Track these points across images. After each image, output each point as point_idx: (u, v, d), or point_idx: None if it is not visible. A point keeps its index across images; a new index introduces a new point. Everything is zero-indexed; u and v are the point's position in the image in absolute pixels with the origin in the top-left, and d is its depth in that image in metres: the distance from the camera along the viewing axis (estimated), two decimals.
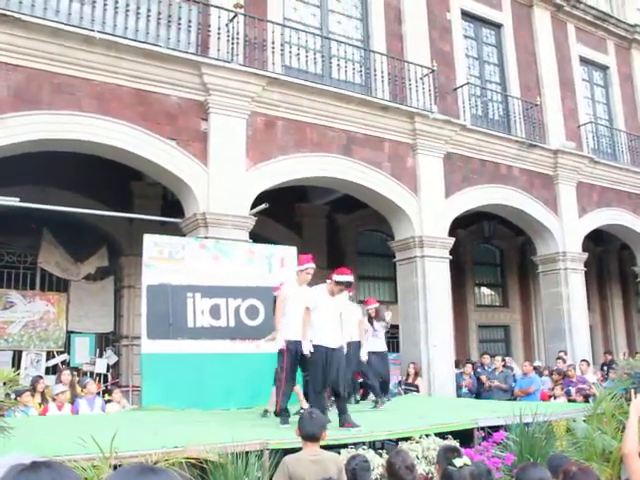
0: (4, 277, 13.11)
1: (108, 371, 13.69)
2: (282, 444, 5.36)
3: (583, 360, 13.29)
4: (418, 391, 11.61)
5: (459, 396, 11.97)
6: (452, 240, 13.08)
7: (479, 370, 12.69)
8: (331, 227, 16.27)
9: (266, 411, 7.92)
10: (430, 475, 5.54)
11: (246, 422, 7.49)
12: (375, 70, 12.49)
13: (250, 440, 5.30)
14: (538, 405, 7.28)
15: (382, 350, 9.76)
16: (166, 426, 6.83)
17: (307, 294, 7.04)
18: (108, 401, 9.86)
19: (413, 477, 4.12)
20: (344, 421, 6.53)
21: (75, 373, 12.69)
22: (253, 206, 10.59)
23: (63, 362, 13.09)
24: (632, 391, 4.14)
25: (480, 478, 4.21)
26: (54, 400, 8.99)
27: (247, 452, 4.96)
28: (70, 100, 9.28)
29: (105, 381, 13.29)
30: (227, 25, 10.57)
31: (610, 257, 21.66)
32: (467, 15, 15.02)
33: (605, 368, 14.12)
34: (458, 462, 3.66)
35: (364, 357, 8.44)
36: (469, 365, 12.66)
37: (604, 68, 18.30)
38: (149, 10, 9.96)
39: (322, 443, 4.86)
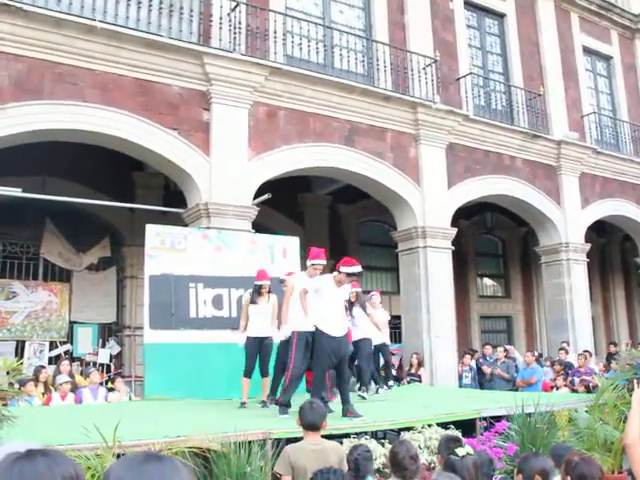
0: (7, 267, 13.12)
1: (111, 361, 13.72)
2: (285, 433, 5.37)
3: (585, 351, 13.30)
4: (421, 381, 11.63)
5: (461, 386, 11.99)
6: (454, 231, 13.06)
7: (481, 360, 12.70)
8: (333, 217, 16.25)
9: (264, 402, 7.96)
10: (432, 465, 5.55)
11: (248, 412, 7.52)
12: (377, 60, 12.44)
13: (253, 429, 5.31)
14: (540, 395, 7.29)
15: (360, 338, 9.12)
16: (169, 415, 6.85)
17: (314, 281, 7.08)
18: (111, 389, 9.90)
19: (417, 467, 4.12)
20: (347, 411, 6.55)
21: (78, 363, 12.79)
22: (255, 196, 10.58)
23: (66, 352, 13.12)
24: (635, 381, 4.13)
25: (482, 468, 4.22)
26: (57, 390, 9.02)
27: (250, 441, 4.98)
28: (72, 90, 9.26)
29: (108, 371, 13.31)
30: (229, 14, 10.52)
31: (613, 248, 21.63)
32: (470, 5, 14.93)
33: (610, 359, 14.13)
34: (461, 452, 3.66)
35: None
36: (468, 356, 12.66)
37: (608, 58, 18.20)
38: None
39: (325, 433, 4.87)
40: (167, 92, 10.06)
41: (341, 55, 12.19)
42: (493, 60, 15.36)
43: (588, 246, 15.61)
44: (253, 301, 8.09)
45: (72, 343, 13.54)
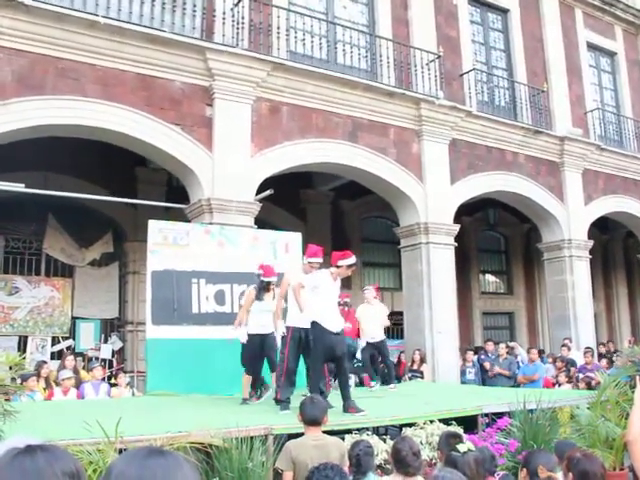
0: (9, 263, 13.15)
1: (113, 357, 13.75)
2: (286, 429, 5.37)
3: (587, 348, 13.29)
4: (422, 377, 11.63)
5: (464, 382, 11.99)
6: (457, 227, 13.05)
7: (483, 357, 12.70)
8: (336, 213, 16.24)
9: (244, 399, 7.94)
10: (434, 461, 5.54)
11: (250, 407, 7.53)
12: (381, 56, 12.41)
13: (254, 425, 5.32)
14: (542, 392, 7.28)
15: None
16: (171, 411, 6.86)
17: (311, 276, 7.08)
18: (114, 385, 9.91)
19: (419, 463, 4.12)
20: (348, 406, 6.55)
21: (80, 358, 12.80)
22: (258, 192, 10.57)
23: (68, 348, 13.14)
24: (637, 378, 4.12)
25: (484, 464, 4.22)
26: (58, 385, 9.04)
27: (251, 437, 4.98)
28: (74, 85, 9.25)
29: (110, 367, 13.34)
30: (232, 10, 10.50)
31: (615, 245, 21.59)
32: (473, 0, 14.89)
33: (609, 357, 14.13)
34: (462, 448, 3.66)
35: None
36: (470, 352, 12.67)
37: (611, 54, 18.14)
38: None
39: (327, 428, 4.88)
40: (170, 87, 10.05)
41: (344, 51, 12.16)
42: (496, 56, 15.31)
43: (591, 243, 15.59)
44: (259, 298, 8.01)
45: (74, 338, 13.56)
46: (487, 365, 12.19)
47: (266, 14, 11.00)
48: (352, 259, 6.82)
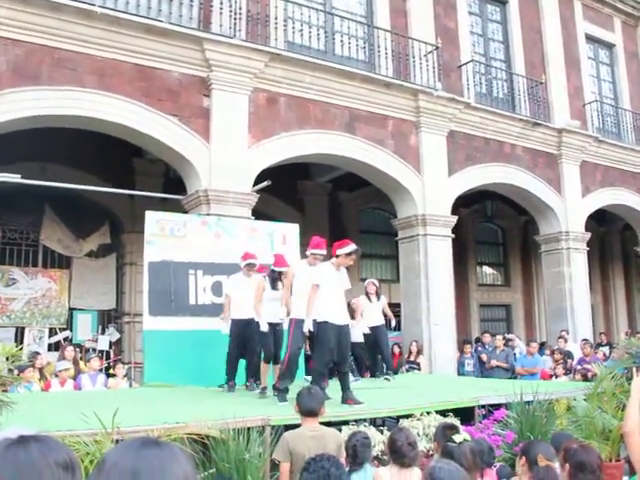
0: (6, 254, 13.12)
1: (110, 348, 13.74)
2: (283, 420, 5.37)
3: (584, 340, 13.31)
4: (420, 369, 11.65)
5: (463, 374, 12.00)
6: (454, 218, 13.04)
7: (480, 349, 12.72)
8: (333, 205, 16.23)
9: (263, 389, 7.91)
10: (431, 452, 5.55)
11: (247, 398, 7.53)
12: (379, 47, 12.36)
13: (251, 416, 5.32)
14: (539, 384, 7.29)
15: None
16: (168, 402, 6.86)
17: (314, 271, 7.03)
18: (112, 375, 9.92)
19: (415, 454, 4.13)
20: (346, 398, 6.55)
21: (78, 350, 12.80)
22: (255, 183, 10.55)
23: (65, 339, 13.14)
24: (634, 369, 4.13)
25: (482, 455, 4.23)
26: (56, 376, 9.03)
27: (249, 428, 4.98)
28: (70, 75, 9.20)
29: (107, 358, 13.34)
30: (229, 0, 10.44)
31: (613, 237, 21.61)
32: None
33: (608, 348, 14.17)
34: (458, 438, 3.66)
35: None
36: (468, 344, 12.69)
37: (610, 46, 18.09)
38: None
39: (324, 420, 4.88)
40: (167, 78, 10.00)
41: (342, 42, 12.11)
42: (495, 47, 15.26)
43: (588, 235, 15.60)
44: (273, 287, 7.96)
45: (72, 330, 13.56)
46: (484, 357, 12.22)
47: (264, 4, 10.94)
48: (349, 247, 6.77)
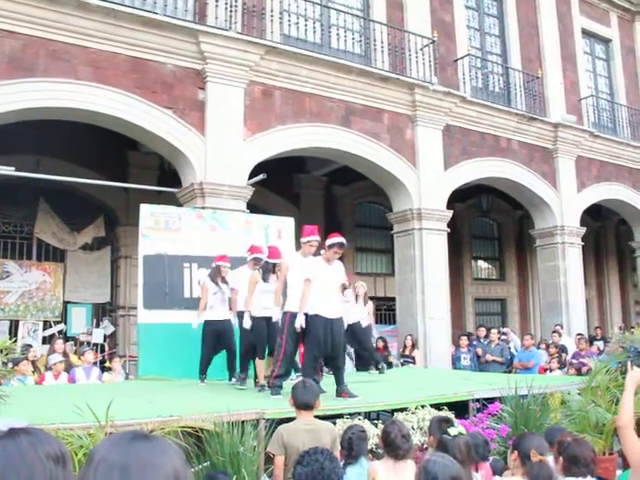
0: (0, 247, 13.07)
1: (105, 341, 13.72)
2: (278, 413, 5.37)
3: (579, 334, 13.37)
4: (415, 363, 11.66)
5: (459, 368, 12.00)
6: (450, 213, 13.04)
7: (475, 342, 12.74)
8: (329, 198, 16.21)
9: (262, 386, 7.84)
10: (425, 446, 5.56)
11: (241, 392, 7.53)
12: (375, 40, 12.33)
13: (246, 409, 5.31)
14: (533, 378, 7.31)
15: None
16: (162, 395, 6.85)
17: (306, 264, 6.97)
18: (108, 369, 9.90)
19: (409, 446, 4.13)
20: (341, 391, 6.54)
21: (72, 343, 12.78)
22: (250, 176, 10.52)
23: (60, 332, 13.10)
24: (628, 363, 4.13)
25: (477, 449, 4.23)
26: (49, 369, 9.01)
27: (243, 421, 4.97)
28: (66, 68, 9.16)
29: (102, 351, 13.32)
30: None
31: (608, 232, 21.66)
32: None
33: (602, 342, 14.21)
34: (453, 431, 3.66)
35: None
36: (464, 337, 12.69)
37: (606, 41, 18.10)
38: None
39: (318, 413, 4.87)
40: (162, 70, 9.96)
41: (338, 35, 12.08)
42: (491, 41, 15.25)
43: (583, 229, 15.63)
44: (264, 279, 7.80)
45: (66, 323, 13.53)
46: (479, 351, 12.23)
47: None
48: (332, 239, 6.69)
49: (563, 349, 12.07)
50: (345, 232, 14.99)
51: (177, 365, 8.69)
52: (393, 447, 4.05)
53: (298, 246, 8.36)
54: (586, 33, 17.32)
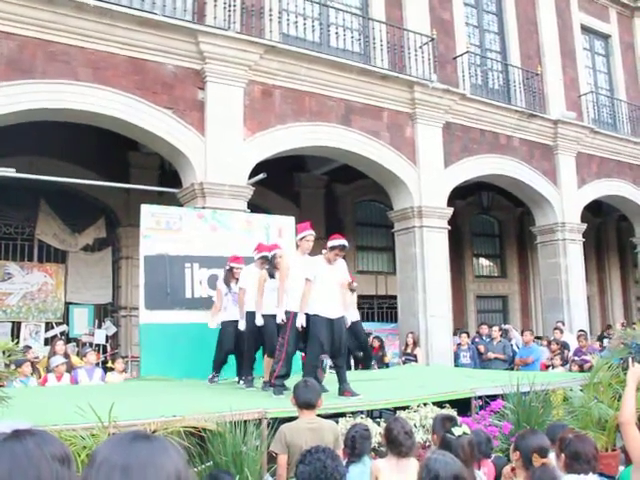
0: (1, 249, 13.09)
1: (107, 342, 13.74)
2: (280, 413, 5.37)
3: (580, 331, 13.36)
4: (416, 361, 11.67)
5: (459, 366, 12.01)
6: (451, 210, 13.04)
7: (477, 340, 12.74)
8: (329, 197, 16.22)
9: (266, 383, 7.82)
10: (428, 444, 5.56)
11: (244, 391, 7.54)
12: (374, 38, 12.32)
13: (248, 409, 5.32)
14: (535, 375, 7.31)
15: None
16: (164, 395, 6.86)
17: (307, 264, 6.96)
18: (111, 369, 9.90)
19: (412, 442, 4.13)
20: (344, 390, 6.54)
21: (74, 344, 12.79)
22: (251, 176, 10.53)
23: (62, 333, 13.12)
24: (630, 359, 4.14)
25: (480, 446, 4.24)
26: (51, 371, 9.01)
27: (245, 421, 4.98)
28: (64, 69, 9.16)
29: (104, 352, 13.34)
30: None
31: (609, 228, 21.65)
32: None
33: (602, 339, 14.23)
34: (457, 431, 3.66)
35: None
36: (464, 335, 12.70)
37: (606, 37, 18.08)
38: None
39: (321, 412, 4.88)
40: (161, 71, 9.96)
41: (337, 33, 12.08)
42: (490, 39, 15.24)
43: (584, 226, 15.62)
44: (272, 275, 7.71)
45: (68, 324, 13.54)
46: (482, 348, 12.22)
47: None
48: (334, 241, 6.69)
49: (565, 346, 12.06)
50: (346, 230, 15.03)
51: (179, 365, 8.70)
52: (396, 444, 4.06)
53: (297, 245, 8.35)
54: (585, 29, 17.30)
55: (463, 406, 6.55)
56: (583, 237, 15.64)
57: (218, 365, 8.37)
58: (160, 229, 9.30)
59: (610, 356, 7.40)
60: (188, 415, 4.84)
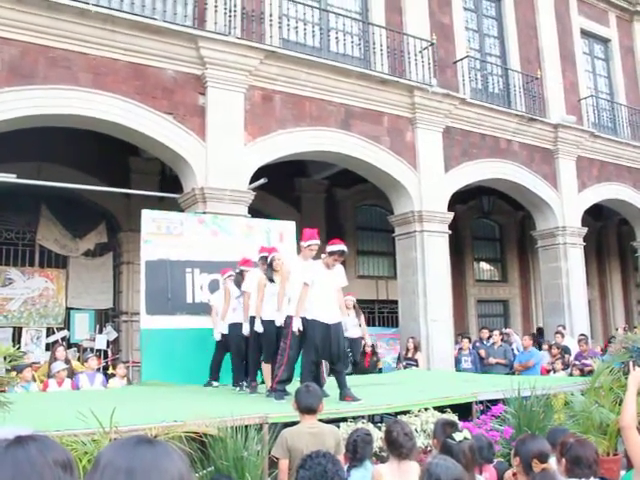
0: (3, 254, 13.08)
1: (108, 347, 13.73)
2: (282, 418, 5.37)
3: (582, 335, 13.35)
4: (417, 365, 11.66)
5: (460, 370, 11.99)
6: (451, 215, 13.05)
7: (478, 344, 12.73)
8: (330, 202, 16.22)
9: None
10: (429, 448, 5.56)
11: (245, 396, 7.53)
12: (374, 43, 12.35)
13: (249, 414, 5.31)
14: (536, 379, 7.31)
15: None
16: (166, 401, 6.86)
17: (306, 268, 6.96)
18: (112, 375, 9.90)
19: (412, 444, 4.12)
20: (345, 395, 6.53)
21: (75, 349, 12.79)
22: (251, 181, 10.54)
23: (63, 338, 13.11)
24: (631, 363, 4.13)
25: (482, 451, 4.23)
26: (52, 377, 9.01)
27: (247, 426, 4.98)
28: (65, 74, 9.18)
29: (105, 357, 13.34)
30: None
31: (609, 232, 21.64)
32: None
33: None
34: (458, 436, 3.66)
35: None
36: (465, 340, 12.69)
37: (605, 41, 18.11)
38: None
39: (322, 417, 4.88)
40: (162, 76, 9.98)
41: (337, 38, 12.10)
42: (490, 43, 15.26)
43: (585, 230, 15.62)
44: (271, 279, 7.67)
45: (69, 329, 13.54)
46: (482, 353, 12.21)
47: (258, 1, 10.93)
48: (333, 247, 6.69)
49: (566, 350, 12.06)
50: (346, 235, 15.03)
51: (180, 370, 8.70)
52: (396, 445, 4.05)
53: (300, 249, 8.36)
54: (585, 33, 17.34)
55: (464, 411, 6.55)
56: (584, 241, 15.64)
57: (239, 372, 8.24)
58: (161, 234, 9.32)
59: (611, 360, 7.40)
60: (189, 420, 4.84)
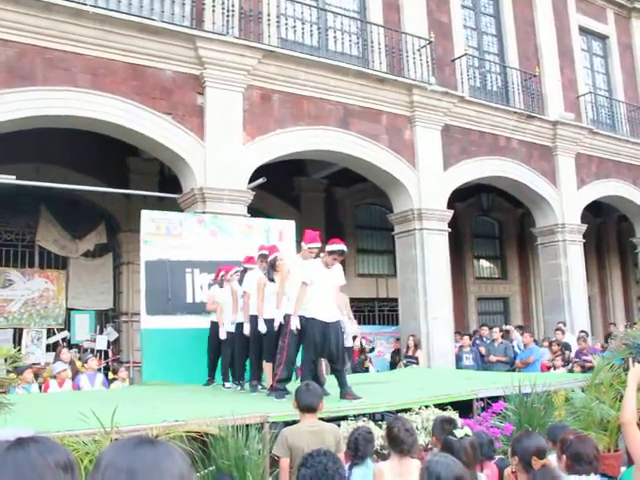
0: (2, 255, 13.09)
1: (108, 347, 13.73)
2: (282, 416, 5.38)
3: (582, 331, 13.36)
4: (418, 363, 11.67)
5: (461, 368, 12.00)
6: (451, 212, 13.05)
7: (478, 342, 12.73)
8: (329, 201, 16.23)
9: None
10: (430, 446, 5.57)
11: (246, 396, 7.54)
12: (372, 42, 12.35)
13: (250, 413, 5.32)
14: (537, 376, 7.31)
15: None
16: (166, 400, 6.87)
17: (305, 267, 6.97)
18: (113, 379, 9.90)
19: (413, 440, 4.12)
20: (345, 393, 6.54)
21: (76, 350, 12.79)
22: (251, 180, 10.54)
23: (64, 339, 13.12)
24: (630, 360, 4.14)
25: (482, 448, 4.23)
26: (54, 377, 9.03)
27: (247, 425, 4.99)
28: (63, 75, 9.18)
29: (106, 357, 13.34)
30: None
31: (609, 229, 21.65)
32: None
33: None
34: (459, 433, 3.66)
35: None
36: (466, 337, 12.69)
37: (603, 38, 18.11)
38: None
39: (322, 415, 4.88)
40: (160, 76, 9.98)
41: (335, 37, 12.10)
42: (488, 41, 15.26)
43: (584, 227, 15.63)
44: (271, 278, 7.66)
45: (69, 330, 13.54)
46: (483, 350, 12.22)
47: (256, 1, 10.93)
48: (333, 246, 6.69)
49: (566, 347, 12.07)
50: (346, 234, 15.04)
51: (181, 370, 8.71)
52: (397, 442, 4.05)
53: (299, 249, 8.36)
54: (583, 30, 17.33)
55: (465, 408, 6.56)
56: (583, 238, 15.64)
57: (239, 372, 8.24)
58: (160, 234, 9.32)
59: (611, 357, 7.40)
60: (190, 420, 4.85)
